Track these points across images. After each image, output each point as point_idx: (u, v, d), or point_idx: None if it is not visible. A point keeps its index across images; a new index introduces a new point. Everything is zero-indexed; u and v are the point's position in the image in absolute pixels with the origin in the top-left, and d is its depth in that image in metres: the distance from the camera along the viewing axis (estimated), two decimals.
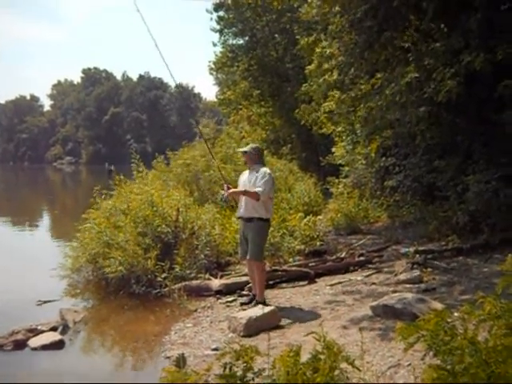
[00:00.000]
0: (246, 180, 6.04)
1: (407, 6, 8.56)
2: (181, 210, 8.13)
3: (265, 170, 6.00)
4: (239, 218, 6.14)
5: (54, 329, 5.53)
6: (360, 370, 2.38)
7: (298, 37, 15.49)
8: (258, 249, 5.89)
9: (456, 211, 7.96)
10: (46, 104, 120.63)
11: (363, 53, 9.33)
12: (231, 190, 6.09)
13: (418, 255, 7.17)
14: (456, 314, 2.95)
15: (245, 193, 5.84)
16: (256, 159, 6.10)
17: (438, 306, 4.60)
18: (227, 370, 2.27)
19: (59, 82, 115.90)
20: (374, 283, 6.56)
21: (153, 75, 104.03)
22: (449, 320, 2.57)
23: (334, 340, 2.53)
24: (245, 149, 6.32)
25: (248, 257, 5.91)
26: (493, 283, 2.33)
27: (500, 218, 7.33)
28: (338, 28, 9.77)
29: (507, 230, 7.21)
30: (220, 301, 6.41)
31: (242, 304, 6.07)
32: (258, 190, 5.73)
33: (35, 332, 5.38)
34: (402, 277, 6.44)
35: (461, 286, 5.87)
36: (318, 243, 8.74)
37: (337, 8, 9.86)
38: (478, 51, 7.17)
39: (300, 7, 22.12)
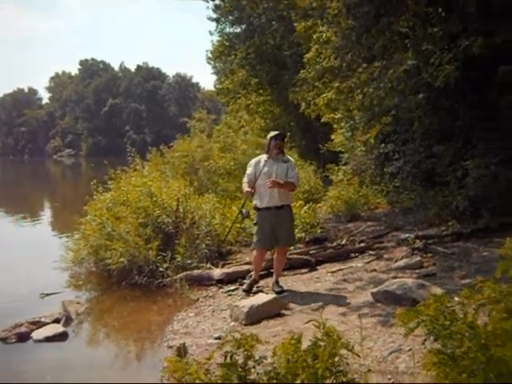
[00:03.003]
0: (275, 170, 5.96)
1: None
2: (181, 200, 8.13)
3: (292, 159, 6.35)
4: (267, 208, 5.96)
5: (56, 321, 5.56)
6: (359, 356, 2.40)
7: (295, 24, 15.38)
8: (292, 233, 6.29)
9: (456, 196, 7.96)
10: (45, 97, 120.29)
11: (360, 38, 9.27)
12: (273, 181, 5.87)
13: (418, 241, 7.19)
14: (456, 299, 2.97)
15: (285, 184, 5.90)
16: (283, 148, 6.29)
17: (438, 291, 4.62)
18: (228, 358, 2.29)
19: (57, 75, 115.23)
20: (374, 270, 6.58)
21: (150, 65, 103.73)
22: (449, 305, 2.59)
23: (334, 327, 2.55)
24: (277, 133, 6.34)
25: (283, 242, 6.13)
26: (493, 267, 2.35)
27: (499, 202, 7.33)
28: (334, 12, 9.70)
29: (507, 214, 7.22)
30: (221, 290, 6.43)
31: (245, 291, 6.11)
32: (294, 181, 6.02)
33: (38, 324, 5.41)
34: (403, 263, 6.46)
35: (461, 271, 5.89)
36: (319, 231, 8.74)
37: None
38: (477, 35, 7.13)
39: None
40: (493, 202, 7.43)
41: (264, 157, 6.14)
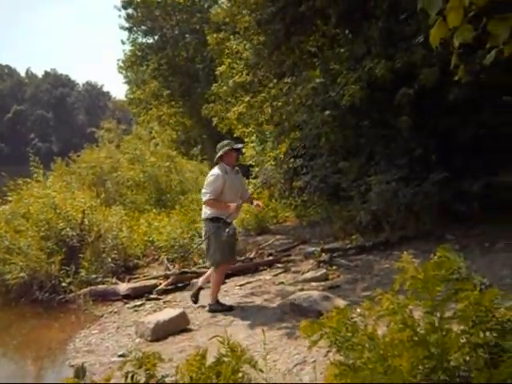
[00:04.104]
0: (237, 184, 5.81)
1: (313, 11, 8.79)
2: (86, 212, 7.86)
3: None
4: (231, 222, 5.67)
5: None
6: (262, 372, 2.38)
7: (207, 37, 15.47)
8: None
9: (359, 210, 8.25)
10: None
11: (271, 54, 9.49)
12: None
13: (323, 254, 7.38)
14: (358, 310, 3.05)
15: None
16: None
17: (342, 302, 4.75)
18: (129, 379, 2.19)
19: None
20: (282, 282, 6.67)
21: (59, 72, 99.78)
22: (351, 316, 2.65)
23: (239, 342, 2.53)
24: (241, 145, 6.27)
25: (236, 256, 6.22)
26: (393, 279, 2.46)
27: (399, 216, 7.71)
28: (245, 25, 9.86)
29: (405, 228, 7.61)
30: (128, 305, 6.28)
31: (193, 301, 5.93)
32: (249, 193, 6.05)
33: None
34: (309, 275, 6.60)
35: (363, 283, 6.11)
36: None
37: (246, 10, 9.98)
38: (379, 58, 7.50)
39: (210, 7, 22.19)
40: (393, 216, 7.78)
41: (224, 168, 5.68)
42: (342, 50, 8.43)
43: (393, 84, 7.67)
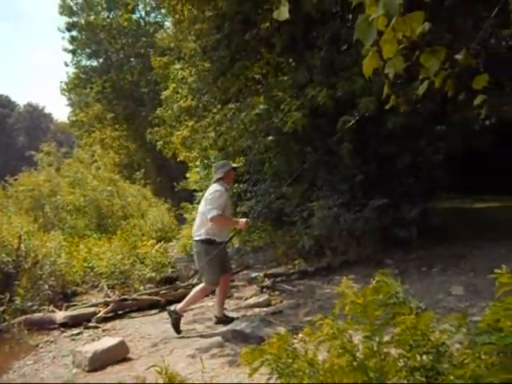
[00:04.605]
0: (230, 202, 5.90)
1: (258, 39, 8.95)
2: (23, 237, 7.58)
3: None
4: (223, 242, 5.71)
5: None
6: None
7: (152, 61, 15.43)
8: None
9: (302, 235, 8.32)
10: None
11: (216, 80, 9.56)
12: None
13: (266, 279, 7.38)
14: (300, 336, 3.04)
15: None
16: None
17: (284, 328, 4.73)
18: None
19: None
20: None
21: None
22: (292, 342, 2.64)
23: (177, 371, 2.47)
24: (238, 165, 6.43)
25: (229, 271, 6.12)
26: (334, 304, 2.48)
27: (341, 241, 7.83)
28: (191, 53, 9.91)
29: (347, 253, 7.73)
30: (65, 334, 6.07)
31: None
32: None
33: None
34: (252, 301, 6.57)
35: (306, 308, 6.13)
36: (170, 270, 8.63)
37: (191, 37, 10.06)
38: (321, 86, 7.69)
39: (156, 32, 22.22)
40: (335, 241, 7.90)
41: (225, 186, 5.73)
42: (286, 78, 8.59)
43: (334, 111, 7.87)
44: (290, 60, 9.49)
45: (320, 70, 8.11)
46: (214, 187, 5.70)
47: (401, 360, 2.41)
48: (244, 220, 5.65)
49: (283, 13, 1.82)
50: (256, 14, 8.85)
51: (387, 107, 2.46)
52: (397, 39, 1.71)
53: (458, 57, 1.93)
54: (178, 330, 5.66)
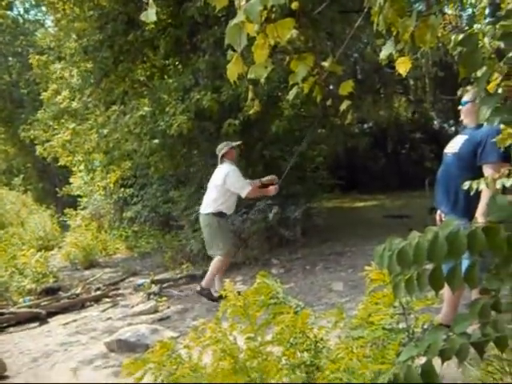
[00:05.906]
0: None
1: (142, 41, 8.77)
2: None
3: None
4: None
5: None
6: None
7: (31, 59, 14.51)
8: None
9: (190, 239, 8.28)
10: None
11: (100, 82, 9.23)
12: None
13: (153, 285, 7.24)
14: (185, 341, 3.01)
15: None
16: None
17: (171, 334, 4.68)
18: None
19: None
20: (110, 318, 6.37)
21: None
22: (176, 349, 2.60)
23: None
24: (238, 143, 6.37)
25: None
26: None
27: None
28: (72, 52, 9.48)
29: (234, 255, 7.80)
30: None
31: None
32: None
33: None
34: (138, 308, 6.40)
35: (193, 312, 6.08)
36: (52, 280, 8.17)
37: (73, 36, 9.64)
38: (207, 90, 7.71)
39: (36, 31, 21.00)
40: None
41: (233, 163, 6.19)
42: (171, 81, 8.48)
43: (220, 115, 7.92)
44: (176, 63, 9.41)
45: (205, 74, 8.13)
46: (225, 168, 6.11)
47: (282, 358, 2.47)
48: (273, 187, 6.13)
49: (151, 15, 1.80)
50: (140, 15, 8.65)
51: (250, 112, 2.52)
52: (269, 45, 1.74)
53: (324, 64, 2.01)
54: (215, 299, 5.87)
